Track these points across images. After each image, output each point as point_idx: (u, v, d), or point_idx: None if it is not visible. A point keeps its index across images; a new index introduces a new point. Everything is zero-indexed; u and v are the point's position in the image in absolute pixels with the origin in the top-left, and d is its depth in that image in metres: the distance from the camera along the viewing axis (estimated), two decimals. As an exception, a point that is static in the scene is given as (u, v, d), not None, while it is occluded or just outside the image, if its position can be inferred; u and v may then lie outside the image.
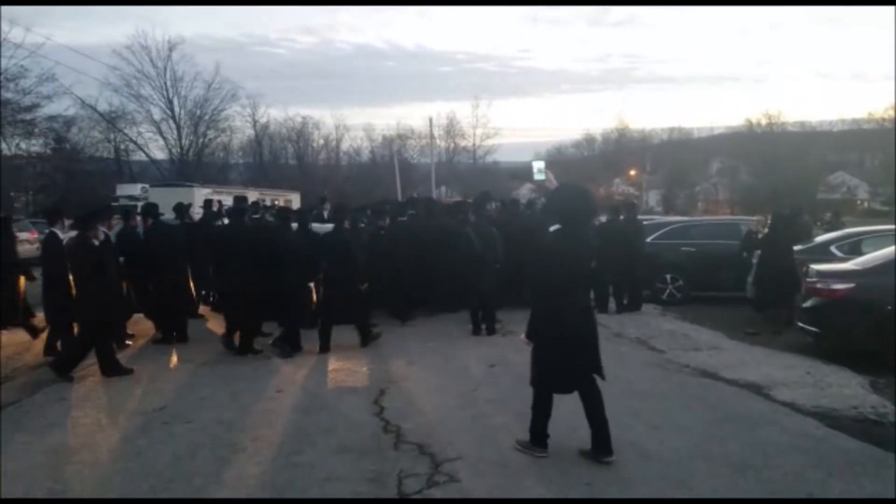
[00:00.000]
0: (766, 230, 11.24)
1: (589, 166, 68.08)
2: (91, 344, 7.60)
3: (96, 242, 7.45)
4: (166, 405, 6.45)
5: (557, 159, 73.68)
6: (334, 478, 4.62)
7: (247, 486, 4.54)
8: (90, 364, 8.11)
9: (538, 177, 5.79)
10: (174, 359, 8.61)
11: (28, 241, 19.90)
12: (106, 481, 4.65)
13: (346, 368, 7.92)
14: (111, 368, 7.57)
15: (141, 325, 10.06)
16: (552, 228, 4.91)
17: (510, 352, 8.66)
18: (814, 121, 67.50)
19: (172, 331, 9.50)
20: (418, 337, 9.78)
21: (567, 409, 5.36)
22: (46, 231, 9.09)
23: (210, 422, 5.97)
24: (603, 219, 13.29)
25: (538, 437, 5.01)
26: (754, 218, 14.06)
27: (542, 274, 4.98)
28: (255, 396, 6.76)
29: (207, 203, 14.05)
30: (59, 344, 8.49)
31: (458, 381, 7.28)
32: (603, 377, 5.02)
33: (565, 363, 4.90)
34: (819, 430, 5.57)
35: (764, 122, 64.63)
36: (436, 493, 4.36)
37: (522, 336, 5.10)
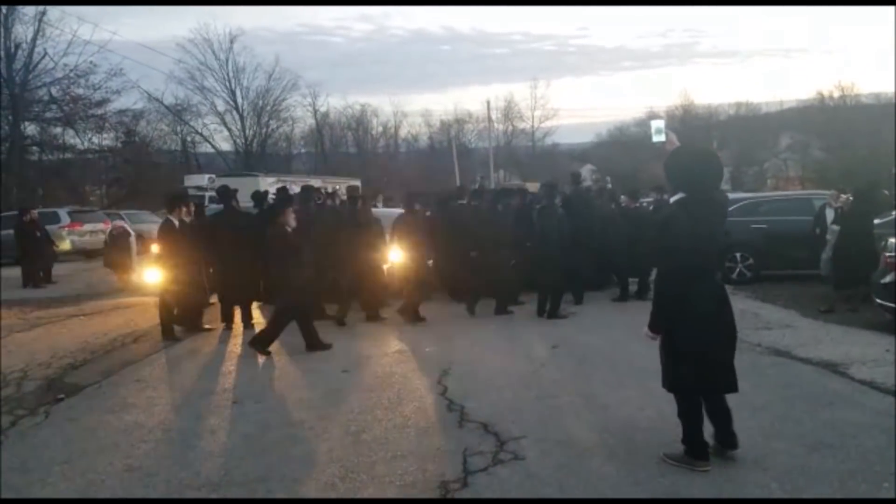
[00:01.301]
0: (844, 206, 10.77)
1: (653, 145, 66.34)
2: (285, 322, 7.97)
3: (289, 229, 7.94)
4: (237, 385, 6.62)
5: (619, 139, 72.29)
6: (400, 455, 4.65)
7: (315, 462, 4.61)
8: (163, 348, 8.41)
9: (657, 138, 4.89)
10: (242, 341, 8.80)
11: (102, 231, 20.72)
12: (180, 459, 4.78)
13: (409, 349, 7.98)
14: (314, 344, 7.95)
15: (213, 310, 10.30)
16: (674, 198, 4.32)
17: (572, 332, 8.63)
18: (889, 92, 64.13)
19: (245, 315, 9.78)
20: (480, 318, 9.78)
21: (631, 389, 5.25)
22: (164, 218, 9.60)
23: (279, 401, 6.10)
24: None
25: (696, 449, 4.30)
26: (828, 192, 13.51)
27: (668, 253, 4.25)
28: (322, 377, 6.87)
29: (281, 191, 14.25)
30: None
31: (520, 362, 7.25)
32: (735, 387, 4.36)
33: (703, 358, 4.21)
34: (901, 409, 5.33)
35: (836, 94, 62.01)
36: (502, 472, 4.33)
37: (645, 329, 4.41)
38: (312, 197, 11.41)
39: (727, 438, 4.38)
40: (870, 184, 12.68)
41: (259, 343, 7.85)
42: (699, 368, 4.21)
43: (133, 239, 16.56)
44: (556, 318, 9.62)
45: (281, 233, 7.85)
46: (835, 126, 56.38)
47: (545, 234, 9.77)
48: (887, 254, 8.21)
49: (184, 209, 9.05)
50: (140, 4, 52.68)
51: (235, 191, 10.19)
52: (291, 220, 7.98)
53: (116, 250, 15.72)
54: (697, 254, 4.16)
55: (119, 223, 17.53)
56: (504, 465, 4.45)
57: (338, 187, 25.53)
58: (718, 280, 4.42)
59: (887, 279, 8.10)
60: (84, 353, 8.29)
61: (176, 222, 8.91)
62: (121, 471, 4.62)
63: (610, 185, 19.29)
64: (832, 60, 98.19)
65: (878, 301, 8.30)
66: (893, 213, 11.17)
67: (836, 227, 10.47)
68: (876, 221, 10.15)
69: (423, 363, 7.33)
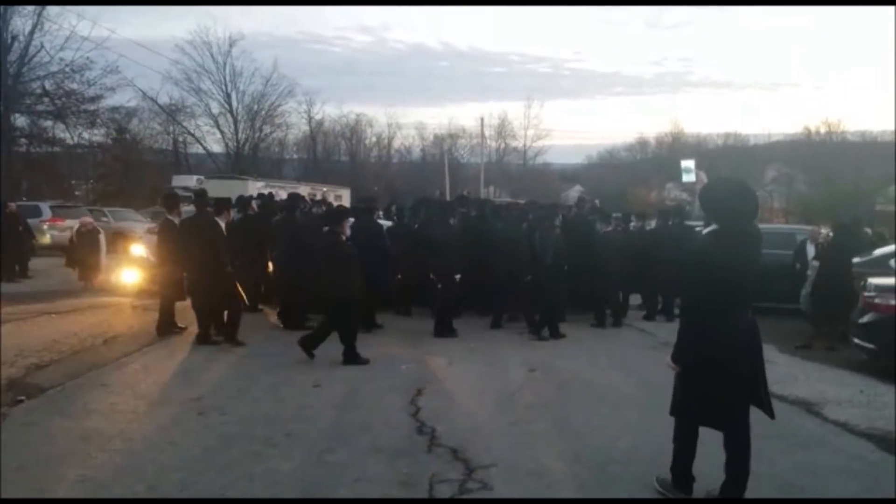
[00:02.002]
0: (826, 241, 10.76)
1: (641, 169, 66.83)
2: (333, 328, 8.08)
3: (344, 238, 8.26)
4: (203, 395, 6.44)
5: (609, 162, 72.67)
6: (365, 479, 4.51)
7: (277, 483, 4.46)
8: (132, 351, 8.24)
9: (686, 178, 4.95)
10: (216, 348, 8.64)
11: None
12: (137, 471, 4.61)
13: (384, 366, 7.83)
14: (352, 357, 7.93)
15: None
16: (707, 230, 4.29)
17: (551, 356, 8.53)
18: (875, 130, 64.82)
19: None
20: (460, 336, 9.64)
21: (607, 419, 5.15)
22: (162, 218, 9.81)
23: (245, 415, 5.93)
24: (652, 224, 13.01)
25: (678, 477, 4.28)
26: (808, 227, 13.53)
27: (697, 285, 4.13)
28: (292, 390, 6.71)
29: (265, 196, 14.16)
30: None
31: (497, 384, 7.13)
32: (770, 413, 4.29)
33: (719, 391, 4.10)
34: (874, 454, 5.27)
35: (823, 130, 62.67)
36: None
37: (668, 359, 4.32)
38: (298, 205, 11.32)
39: (738, 488, 4.14)
40: (852, 220, 12.71)
41: (308, 344, 8.01)
42: (708, 399, 4.13)
43: (103, 237, 15.13)
44: (556, 336, 9.68)
45: (339, 242, 8.18)
46: (820, 161, 56.98)
47: (545, 253, 9.78)
48: (866, 293, 8.18)
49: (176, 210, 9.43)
50: (142, 4, 52.22)
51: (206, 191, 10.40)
52: (347, 230, 8.36)
53: (84, 248, 14.52)
54: (728, 285, 4.04)
55: (87, 219, 16.35)
56: (471, 493, 4.32)
57: (323, 194, 25.43)
58: (750, 317, 4.19)
59: (866, 319, 8.07)
60: (51, 353, 8.07)
61: (176, 222, 9.19)
62: (73, 481, 4.45)
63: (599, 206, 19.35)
64: (821, 97, 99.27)
65: (856, 340, 8.26)
66: (875, 251, 11.20)
67: (816, 263, 10.45)
68: (856, 260, 10.14)
69: (398, 381, 7.18)
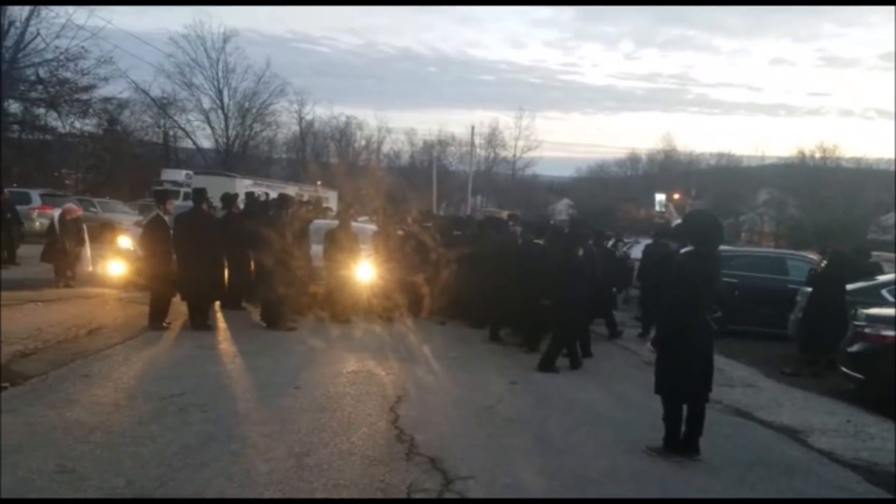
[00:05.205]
0: (817, 268, 10.81)
1: (631, 185, 67.11)
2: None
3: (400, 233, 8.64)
4: (184, 391, 6.41)
5: (599, 176, 72.89)
6: (342, 484, 4.52)
7: (254, 483, 4.45)
8: (116, 343, 8.20)
9: (659, 209, 6.79)
10: (200, 345, 8.62)
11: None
12: (115, 465, 4.60)
13: (365, 371, 7.82)
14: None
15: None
16: (684, 250, 5.52)
17: (532, 371, 8.49)
18: (871, 158, 65.28)
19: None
20: (441, 346, 9.62)
21: (586, 436, 5.15)
22: (154, 213, 9.86)
23: (225, 413, 5.92)
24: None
25: (672, 444, 5.43)
26: (803, 253, 13.60)
27: (675, 291, 5.40)
28: (274, 391, 6.70)
29: (250, 195, 14.18)
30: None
31: (477, 396, 7.13)
32: (710, 391, 5.56)
33: (686, 375, 5.36)
34: (860, 486, 5.30)
35: (818, 155, 63.10)
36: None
37: (648, 345, 5.80)
38: (288, 205, 11.34)
39: (693, 446, 5.42)
40: (855, 248, 12.65)
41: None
42: (680, 381, 5.39)
43: (84, 226, 13.95)
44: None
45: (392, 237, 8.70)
46: (813, 186, 57.26)
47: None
48: (857, 323, 8.23)
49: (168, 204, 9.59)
50: (136, 5, 51.92)
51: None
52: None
53: (68, 239, 13.08)
54: (697, 293, 5.34)
55: (71, 205, 14.76)
56: (448, 504, 4.34)
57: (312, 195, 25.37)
58: (708, 317, 5.56)
59: (855, 348, 8.11)
60: (35, 341, 8.00)
61: (166, 217, 9.31)
62: (52, 471, 4.44)
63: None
64: (817, 122, 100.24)
65: (844, 369, 8.29)
66: (866, 282, 11.20)
67: (807, 290, 10.51)
68: (848, 287, 10.17)
69: (378, 387, 7.18)
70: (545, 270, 9.13)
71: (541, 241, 10.34)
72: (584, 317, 9.40)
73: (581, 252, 9.03)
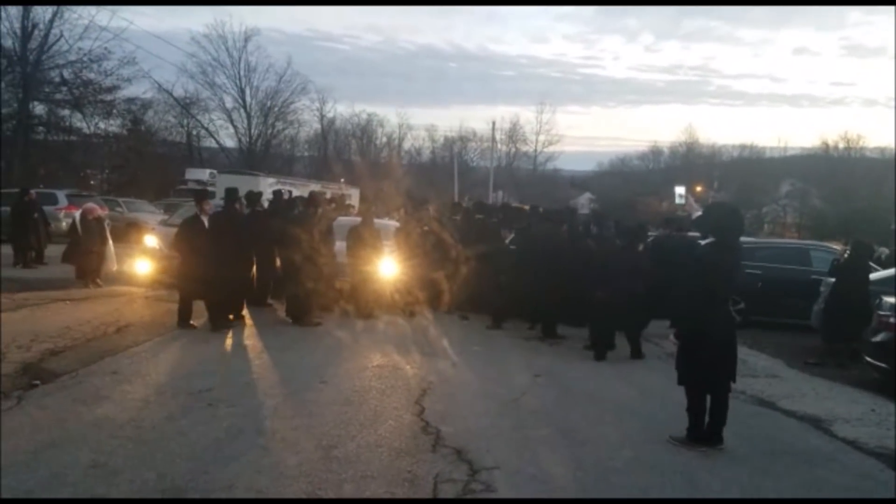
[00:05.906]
0: (840, 258, 10.71)
1: (653, 179, 66.57)
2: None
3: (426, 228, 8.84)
4: (212, 387, 6.52)
5: (621, 170, 72.43)
6: (370, 476, 4.58)
7: (283, 476, 4.53)
8: (144, 341, 8.33)
9: (679, 201, 6.73)
10: (227, 341, 8.76)
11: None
12: (147, 459, 4.70)
13: (390, 365, 7.89)
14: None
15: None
16: (705, 241, 5.55)
17: (556, 363, 8.54)
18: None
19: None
20: (463, 340, 9.68)
21: (611, 427, 5.18)
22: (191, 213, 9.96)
23: (253, 407, 6.02)
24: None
25: (697, 434, 5.47)
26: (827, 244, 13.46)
27: (697, 282, 5.49)
28: (300, 386, 6.79)
29: (277, 193, 14.23)
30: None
31: (501, 389, 7.17)
32: (734, 381, 5.57)
33: (708, 366, 5.40)
34: (883, 473, 5.28)
35: (841, 145, 62.25)
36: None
37: (671, 337, 5.87)
38: (318, 203, 11.42)
39: (717, 437, 5.46)
40: (885, 241, 12.47)
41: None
42: (702, 372, 5.42)
43: (108, 224, 13.86)
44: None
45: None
46: (836, 177, 56.49)
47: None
48: (881, 312, 8.16)
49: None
50: (156, 5, 52.51)
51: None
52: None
53: (91, 239, 13.01)
54: (719, 284, 5.44)
55: (91, 205, 14.29)
56: (475, 494, 4.38)
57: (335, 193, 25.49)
58: (729, 307, 5.71)
59: (879, 338, 8.06)
60: (65, 339, 8.18)
61: (204, 218, 9.35)
62: (86, 466, 4.54)
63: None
64: (840, 112, 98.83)
65: (868, 359, 8.24)
66: (891, 271, 11.10)
67: (830, 280, 10.42)
68: (872, 277, 10.08)
69: (403, 380, 7.25)
70: (601, 265, 9.26)
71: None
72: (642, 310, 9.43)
73: (641, 247, 9.36)
